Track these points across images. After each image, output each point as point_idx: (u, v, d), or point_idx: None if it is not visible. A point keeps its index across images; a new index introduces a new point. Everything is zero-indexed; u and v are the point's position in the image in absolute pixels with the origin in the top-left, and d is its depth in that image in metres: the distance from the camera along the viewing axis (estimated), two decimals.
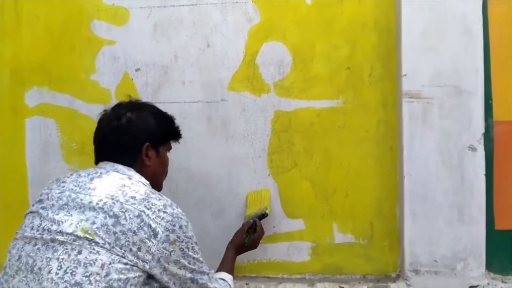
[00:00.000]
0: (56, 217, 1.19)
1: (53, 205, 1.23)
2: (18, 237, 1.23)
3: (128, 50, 1.88)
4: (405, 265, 1.72)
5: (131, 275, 1.15)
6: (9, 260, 1.20)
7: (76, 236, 1.16)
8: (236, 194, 1.85)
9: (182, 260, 1.25)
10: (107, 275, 1.12)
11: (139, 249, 1.17)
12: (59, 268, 1.13)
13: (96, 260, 1.13)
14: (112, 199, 1.20)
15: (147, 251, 1.17)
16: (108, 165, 1.33)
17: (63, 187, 1.27)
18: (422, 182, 1.69)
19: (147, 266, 1.18)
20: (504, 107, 1.72)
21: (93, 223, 1.17)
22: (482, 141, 1.66)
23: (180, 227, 1.23)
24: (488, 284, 1.69)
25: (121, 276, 1.14)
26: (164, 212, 1.22)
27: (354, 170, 1.81)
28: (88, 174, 1.29)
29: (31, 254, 1.17)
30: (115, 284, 1.12)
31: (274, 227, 1.85)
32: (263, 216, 1.72)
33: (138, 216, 1.19)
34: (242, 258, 1.78)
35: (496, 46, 1.71)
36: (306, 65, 1.81)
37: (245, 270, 1.86)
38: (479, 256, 1.68)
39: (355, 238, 1.83)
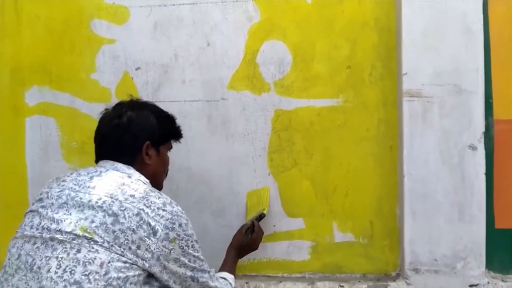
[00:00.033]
0: (56, 216, 1.20)
1: (52, 204, 1.23)
2: (17, 236, 1.23)
3: (128, 49, 1.88)
4: (405, 264, 1.72)
5: (130, 273, 1.15)
6: (9, 259, 1.21)
7: (75, 234, 1.16)
8: (236, 193, 1.85)
9: (182, 258, 1.24)
10: (106, 273, 1.12)
11: (138, 247, 1.17)
12: (58, 267, 1.13)
13: (95, 258, 1.13)
14: (111, 197, 1.20)
15: (146, 249, 1.17)
16: (108, 163, 1.33)
17: (62, 186, 1.27)
18: (422, 181, 1.69)
19: (146, 265, 1.18)
20: (504, 106, 1.72)
21: (92, 221, 1.17)
22: (482, 140, 1.66)
23: (180, 225, 1.23)
24: (488, 283, 1.69)
25: (121, 274, 1.14)
26: (164, 210, 1.22)
27: (354, 169, 1.81)
28: (88, 173, 1.29)
29: (30, 253, 1.17)
30: (114, 283, 1.12)
31: (274, 226, 1.85)
32: (261, 217, 1.72)
33: (137, 214, 1.19)
34: (242, 257, 1.78)
35: (496, 45, 1.71)
36: (306, 64, 1.81)
37: (245, 269, 1.86)
38: (479, 255, 1.68)
39: (355, 237, 1.83)
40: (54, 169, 1.91)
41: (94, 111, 1.46)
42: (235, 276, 1.57)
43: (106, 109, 1.43)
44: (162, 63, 1.86)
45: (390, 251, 1.81)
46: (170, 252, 1.21)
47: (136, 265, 1.16)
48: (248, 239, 1.67)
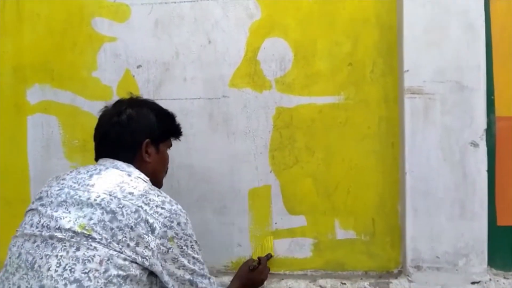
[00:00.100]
0: (55, 214, 1.20)
1: (52, 202, 1.23)
2: (18, 235, 1.24)
3: (129, 47, 1.88)
4: (407, 261, 1.72)
5: (131, 272, 1.15)
6: (10, 258, 1.21)
7: (74, 232, 1.16)
8: (237, 191, 1.85)
9: (181, 259, 1.23)
10: (106, 271, 1.13)
11: (137, 244, 1.17)
12: (58, 265, 1.13)
13: (94, 256, 1.13)
14: (110, 195, 1.20)
15: (146, 247, 1.17)
16: (107, 161, 1.33)
17: (62, 184, 1.27)
18: (424, 178, 1.69)
19: (146, 263, 1.17)
20: (506, 103, 1.72)
21: (90, 219, 1.17)
22: (484, 137, 1.66)
23: (178, 223, 1.23)
24: (490, 280, 1.69)
25: (121, 272, 1.14)
26: (162, 208, 1.22)
27: (356, 167, 1.81)
28: (88, 171, 1.30)
29: (30, 251, 1.18)
30: (114, 280, 1.13)
31: (276, 223, 1.85)
32: (267, 257, 1.76)
33: (136, 211, 1.19)
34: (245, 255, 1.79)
35: (498, 42, 1.70)
36: (307, 61, 1.81)
37: None
38: (481, 252, 1.68)
39: (357, 235, 1.83)
40: (56, 167, 1.91)
41: (95, 109, 1.46)
42: None
43: (105, 107, 1.43)
44: (163, 61, 1.86)
45: (392, 248, 1.81)
46: (168, 251, 1.21)
47: (136, 263, 1.16)
48: (255, 266, 1.65)
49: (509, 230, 1.74)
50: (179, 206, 1.26)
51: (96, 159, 1.38)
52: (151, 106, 1.44)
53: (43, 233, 1.18)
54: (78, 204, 1.20)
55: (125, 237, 1.16)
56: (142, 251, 1.17)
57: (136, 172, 1.31)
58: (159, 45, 1.86)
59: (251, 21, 1.82)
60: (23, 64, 1.94)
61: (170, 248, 1.21)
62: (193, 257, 1.27)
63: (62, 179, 1.29)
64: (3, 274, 1.21)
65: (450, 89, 1.66)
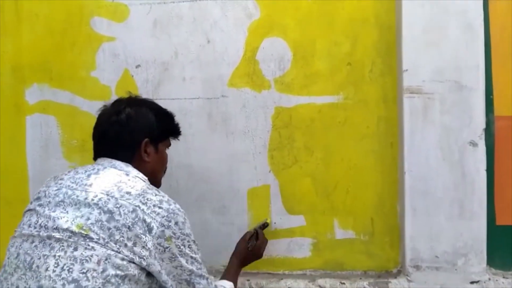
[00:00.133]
0: (53, 214, 1.20)
1: (49, 202, 1.23)
2: (16, 235, 1.24)
3: (128, 46, 1.87)
4: (406, 261, 1.72)
5: (129, 271, 1.15)
6: (8, 258, 1.21)
7: (71, 232, 1.16)
8: (236, 191, 1.85)
9: (179, 258, 1.23)
10: (104, 271, 1.12)
11: (134, 244, 1.16)
12: (56, 265, 1.13)
13: (91, 256, 1.13)
14: (108, 195, 1.20)
15: (143, 247, 1.17)
16: (105, 161, 1.33)
17: (60, 184, 1.27)
18: (423, 178, 1.69)
19: (144, 263, 1.17)
20: (505, 102, 1.72)
21: (88, 219, 1.17)
22: (483, 136, 1.66)
23: (176, 223, 1.22)
24: (489, 279, 1.69)
25: (119, 272, 1.13)
26: (160, 207, 1.21)
27: (355, 166, 1.81)
28: (86, 171, 1.29)
29: (28, 251, 1.17)
30: (112, 280, 1.12)
31: (275, 223, 1.85)
32: (264, 226, 1.75)
33: (133, 211, 1.18)
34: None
35: (497, 41, 1.70)
36: (306, 61, 1.81)
37: (246, 267, 1.85)
38: (480, 251, 1.68)
39: (356, 234, 1.83)
40: (55, 167, 1.91)
41: (94, 109, 1.46)
42: (236, 285, 1.55)
43: (104, 106, 1.43)
44: (162, 61, 1.86)
45: (391, 248, 1.81)
46: (165, 250, 1.20)
47: (134, 263, 1.16)
48: (253, 245, 1.66)
49: (508, 230, 1.74)
50: (177, 205, 1.25)
51: (95, 158, 1.38)
52: (150, 106, 1.43)
53: (41, 233, 1.18)
54: (75, 204, 1.20)
55: (123, 237, 1.16)
56: (140, 251, 1.17)
57: (134, 172, 1.31)
58: (158, 45, 1.86)
59: (250, 21, 1.82)
60: (22, 64, 1.94)
61: (167, 247, 1.20)
62: (191, 257, 1.26)
63: (60, 179, 1.29)
64: (1, 274, 1.20)
65: (449, 89, 1.66)
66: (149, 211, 1.20)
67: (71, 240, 1.15)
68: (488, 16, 1.70)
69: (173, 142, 1.53)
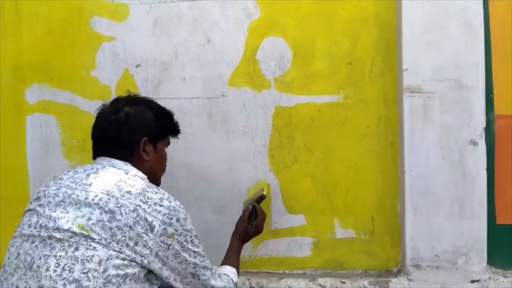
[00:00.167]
0: (53, 214, 1.19)
1: (49, 202, 1.23)
2: (16, 235, 1.23)
3: (128, 46, 1.87)
4: (406, 260, 1.72)
5: (129, 270, 1.15)
6: (8, 258, 1.20)
7: (73, 232, 1.15)
8: (237, 190, 1.85)
9: (183, 254, 1.23)
10: (105, 271, 1.12)
11: (136, 243, 1.16)
12: (57, 265, 1.13)
13: (93, 256, 1.13)
14: (108, 194, 1.20)
15: (144, 245, 1.17)
16: (104, 160, 1.32)
17: (59, 184, 1.27)
18: (423, 177, 1.69)
19: (145, 261, 1.17)
20: (505, 101, 1.72)
21: (89, 219, 1.17)
22: (483, 135, 1.66)
23: (178, 220, 1.22)
24: (490, 278, 1.69)
25: (119, 271, 1.13)
26: (161, 205, 1.21)
27: (355, 166, 1.81)
28: (85, 170, 1.29)
29: (29, 251, 1.17)
30: (113, 280, 1.12)
31: (275, 222, 1.85)
32: (261, 198, 1.70)
33: (134, 210, 1.18)
34: (244, 254, 1.78)
35: (497, 40, 1.70)
36: (306, 60, 1.81)
37: (246, 266, 1.86)
38: (481, 250, 1.68)
39: (357, 234, 1.83)
40: (55, 167, 1.91)
41: (94, 108, 1.45)
42: (238, 268, 1.55)
43: (103, 105, 1.42)
44: (162, 60, 1.86)
45: (391, 247, 1.81)
46: (168, 247, 1.21)
47: (135, 261, 1.16)
48: (253, 225, 1.65)
49: (509, 229, 1.74)
50: (178, 202, 1.25)
51: (94, 157, 1.38)
52: (149, 104, 1.43)
53: (41, 234, 1.18)
54: (76, 204, 1.20)
55: (124, 236, 1.16)
56: (141, 250, 1.17)
57: (133, 170, 1.30)
58: (158, 44, 1.86)
59: (250, 20, 1.82)
60: (22, 64, 1.94)
61: (170, 244, 1.21)
62: (194, 251, 1.27)
63: (60, 179, 1.29)
64: (1, 274, 1.20)
65: (449, 88, 1.66)
66: (150, 209, 1.20)
67: (72, 240, 1.15)
68: (488, 15, 1.70)
69: (173, 141, 1.53)
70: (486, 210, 1.68)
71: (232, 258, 1.58)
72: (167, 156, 1.48)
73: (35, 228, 1.20)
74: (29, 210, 1.26)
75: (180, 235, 1.22)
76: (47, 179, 1.33)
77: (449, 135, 1.67)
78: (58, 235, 1.16)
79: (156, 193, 1.24)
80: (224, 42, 1.83)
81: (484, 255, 1.69)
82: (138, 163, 1.34)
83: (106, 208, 1.18)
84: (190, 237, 1.25)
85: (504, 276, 1.71)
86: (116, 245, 1.15)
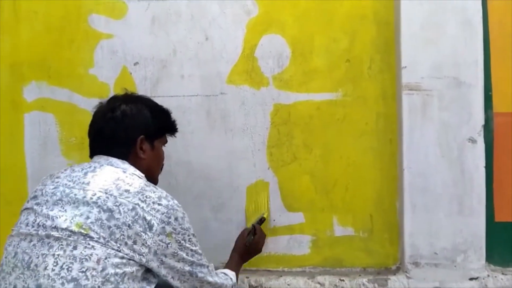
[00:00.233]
0: (51, 213, 1.19)
1: (47, 201, 1.22)
2: (13, 234, 1.23)
3: (126, 44, 1.87)
4: (405, 258, 1.72)
5: (128, 269, 1.15)
6: (6, 257, 1.20)
7: (71, 231, 1.15)
8: (236, 188, 1.85)
9: (180, 252, 1.24)
10: (103, 269, 1.12)
11: (134, 242, 1.16)
12: (55, 264, 1.13)
13: (91, 255, 1.13)
14: (106, 193, 1.20)
15: (143, 244, 1.17)
16: (102, 158, 1.32)
17: (57, 182, 1.26)
18: (422, 174, 1.69)
19: (143, 260, 1.17)
20: (503, 99, 1.72)
21: (87, 217, 1.17)
22: (482, 133, 1.66)
23: (176, 219, 1.22)
24: (488, 276, 1.70)
25: (118, 270, 1.13)
26: (159, 204, 1.21)
27: (354, 163, 1.81)
28: (82, 169, 1.29)
29: (27, 250, 1.17)
30: (112, 279, 1.12)
31: (274, 220, 1.85)
32: (261, 221, 1.75)
33: (133, 209, 1.18)
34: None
35: (495, 37, 1.70)
36: (305, 57, 1.80)
37: (245, 264, 1.85)
38: (479, 248, 1.68)
39: (355, 231, 1.83)
40: (53, 164, 1.90)
41: (92, 106, 1.45)
42: (238, 276, 1.56)
43: (100, 103, 1.42)
44: (161, 58, 1.86)
45: (390, 245, 1.81)
46: (167, 246, 1.21)
47: (133, 260, 1.16)
48: (251, 240, 1.67)
49: (507, 226, 1.74)
50: (175, 201, 1.25)
51: (91, 156, 1.37)
52: (146, 102, 1.43)
53: (39, 232, 1.18)
54: (74, 203, 1.20)
55: (123, 235, 1.16)
56: (139, 249, 1.17)
57: (131, 169, 1.30)
58: (156, 42, 1.85)
59: (248, 17, 1.81)
60: (20, 61, 1.93)
61: (168, 243, 1.21)
62: (191, 250, 1.27)
63: (57, 178, 1.28)
64: None
65: (448, 85, 1.66)
66: (148, 208, 1.20)
67: (71, 239, 1.15)
68: (487, 13, 1.69)
69: (172, 139, 1.53)
70: (485, 207, 1.68)
71: (232, 266, 1.59)
72: (164, 154, 1.48)
73: (33, 227, 1.20)
74: (26, 208, 1.26)
75: (178, 233, 1.23)
76: (43, 178, 1.33)
77: (448, 133, 1.67)
78: (56, 234, 1.16)
79: (154, 191, 1.24)
80: (222, 40, 1.83)
81: (483, 252, 1.69)
82: (135, 162, 1.34)
83: (105, 207, 1.18)
84: (188, 235, 1.26)
85: (502, 274, 1.72)
86: (114, 243, 1.15)
